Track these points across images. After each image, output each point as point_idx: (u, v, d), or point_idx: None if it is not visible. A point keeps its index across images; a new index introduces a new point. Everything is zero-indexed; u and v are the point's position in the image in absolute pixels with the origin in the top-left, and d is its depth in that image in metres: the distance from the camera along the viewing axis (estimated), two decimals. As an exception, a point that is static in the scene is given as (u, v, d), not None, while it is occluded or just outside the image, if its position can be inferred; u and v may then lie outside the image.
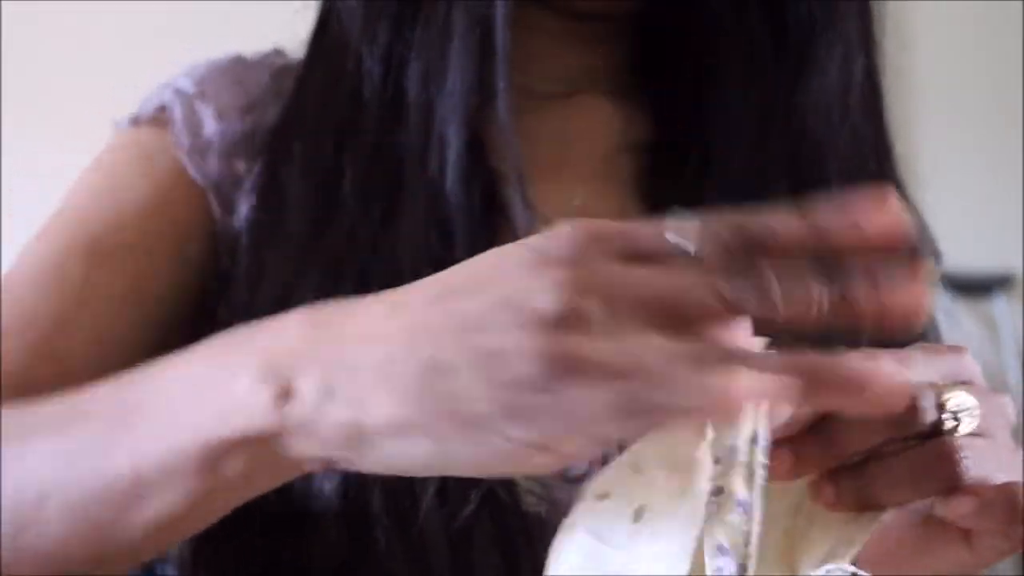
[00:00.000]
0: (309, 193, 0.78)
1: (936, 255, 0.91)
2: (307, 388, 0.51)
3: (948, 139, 2.80)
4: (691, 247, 0.46)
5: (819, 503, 0.54)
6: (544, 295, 0.45)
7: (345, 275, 0.75)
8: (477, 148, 0.78)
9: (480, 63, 0.77)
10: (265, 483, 0.56)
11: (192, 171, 0.80)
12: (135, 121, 0.83)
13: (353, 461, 0.52)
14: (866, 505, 0.54)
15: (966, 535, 0.57)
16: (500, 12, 0.77)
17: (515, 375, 0.45)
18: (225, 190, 0.80)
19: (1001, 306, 2.93)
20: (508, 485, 0.73)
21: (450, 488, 0.70)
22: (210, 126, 0.81)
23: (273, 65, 0.85)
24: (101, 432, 0.57)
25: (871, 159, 0.83)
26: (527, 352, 0.45)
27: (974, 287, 2.87)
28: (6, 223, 2.54)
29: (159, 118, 0.82)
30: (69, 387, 0.63)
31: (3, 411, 0.61)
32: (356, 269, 0.75)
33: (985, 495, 0.54)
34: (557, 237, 0.47)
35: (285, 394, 0.51)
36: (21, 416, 0.61)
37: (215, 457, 0.53)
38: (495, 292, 0.47)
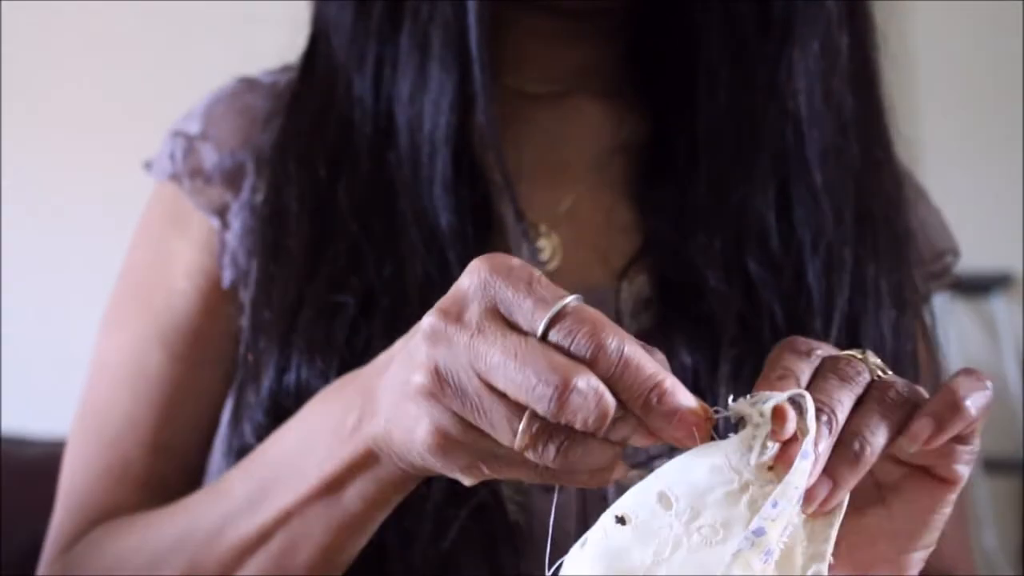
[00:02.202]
0: (306, 216, 0.81)
1: (955, 253, 0.91)
2: (366, 416, 0.64)
3: (948, 139, 2.80)
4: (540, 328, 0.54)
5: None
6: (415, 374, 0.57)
7: (351, 288, 0.78)
8: (469, 158, 0.79)
9: (459, 73, 0.78)
10: (383, 499, 0.67)
11: (195, 205, 0.85)
12: (170, 176, 0.87)
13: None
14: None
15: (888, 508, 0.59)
16: (474, 22, 0.78)
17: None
18: (222, 210, 0.84)
19: (1000, 306, 2.93)
20: (494, 494, 0.75)
21: (446, 496, 0.74)
22: (210, 159, 0.85)
23: (277, 86, 0.88)
24: (245, 507, 0.71)
25: (854, 141, 0.82)
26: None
27: (973, 287, 2.87)
28: (6, 222, 2.54)
29: (175, 173, 0.86)
30: (186, 471, 0.82)
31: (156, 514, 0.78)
32: (362, 284, 0.78)
33: (937, 410, 0.56)
34: (454, 302, 0.56)
35: (359, 422, 0.64)
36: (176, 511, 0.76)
37: (337, 487, 0.66)
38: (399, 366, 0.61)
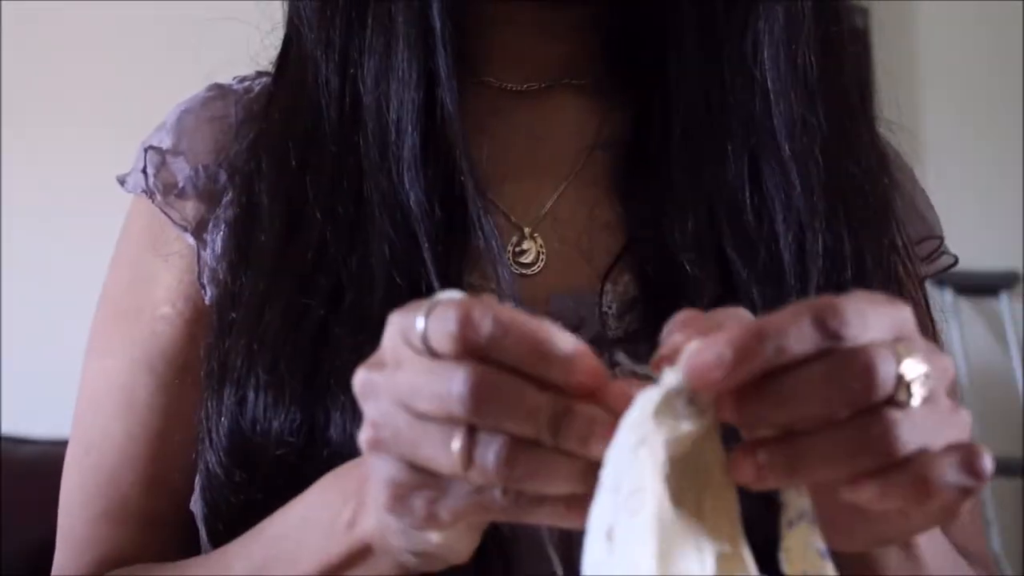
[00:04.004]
0: (278, 208, 0.80)
1: (941, 237, 0.90)
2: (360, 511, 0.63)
3: (954, 139, 2.79)
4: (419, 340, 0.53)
5: (739, 480, 0.51)
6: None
7: (317, 289, 0.76)
8: (436, 143, 0.78)
9: (424, 52, 0.78)
10: None
11: (171, 221, 0.84)
12: (143, 191, 0.86)
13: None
14: (790, 480, 0.51)
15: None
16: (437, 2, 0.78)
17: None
18: (199, 227, 0.83)
19: (1006, 305, 2.93)
20: None
21: None
22: (183, 174, 0.84)
23: (251, 91, 0.87)
24: None
25: (821, 109, 0.81)
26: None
27: (980, 286, 2.86)
28: (6, 222, 2.54)
29: (148, 188, 0.85)
30: (182, 505, 0.81)
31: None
32: (329, 282, 0.76)
33: (891, 477, 0.50)
34: (376, 355, 0.56)
35: (354, 516, 0.63)
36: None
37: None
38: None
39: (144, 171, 0.85)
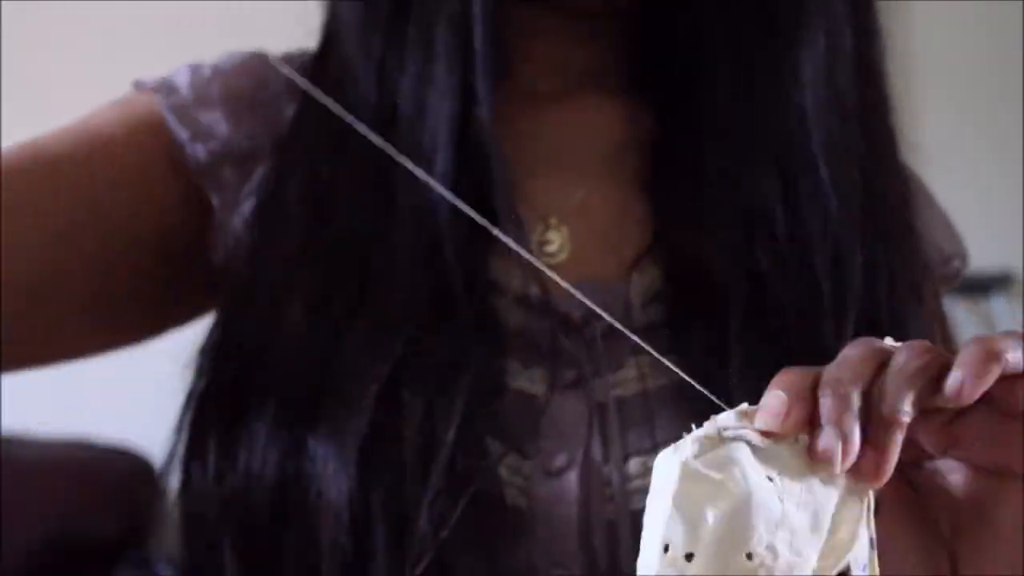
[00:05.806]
0: (306, 205, 0.80)
1: (962, 257, 0.91)
2: None
3: (949, 138, 2.80)
4: None
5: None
6: None
7: (340, 286, 0.77)
8: (471, 150, 0.79)
9: (463, 67, 0.78)
10: None
11: (189, 151, 0.84)
12: (139, 85, 0.87)
13: None
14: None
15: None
16: (479, 17, 0.78)
17: None
18: (230, 186, 0.83)
19: (1000, 306, 2.93)
20: (492, 480, 0.75)
21: (443, 486, 0.73)
22: (221, 127, 0.84)
23: (292, 62, 0.86)
24: None
25: (859, 133, 0.82)
26: None
27: (973, 287, 2.87)
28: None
29: (166, 86, 0.86)
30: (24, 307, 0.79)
31: None
32: (351, 282, 0.77)
33: None
34: None
35: None
36: None
37: None
38: None
39: (188, 85, 0.85)
